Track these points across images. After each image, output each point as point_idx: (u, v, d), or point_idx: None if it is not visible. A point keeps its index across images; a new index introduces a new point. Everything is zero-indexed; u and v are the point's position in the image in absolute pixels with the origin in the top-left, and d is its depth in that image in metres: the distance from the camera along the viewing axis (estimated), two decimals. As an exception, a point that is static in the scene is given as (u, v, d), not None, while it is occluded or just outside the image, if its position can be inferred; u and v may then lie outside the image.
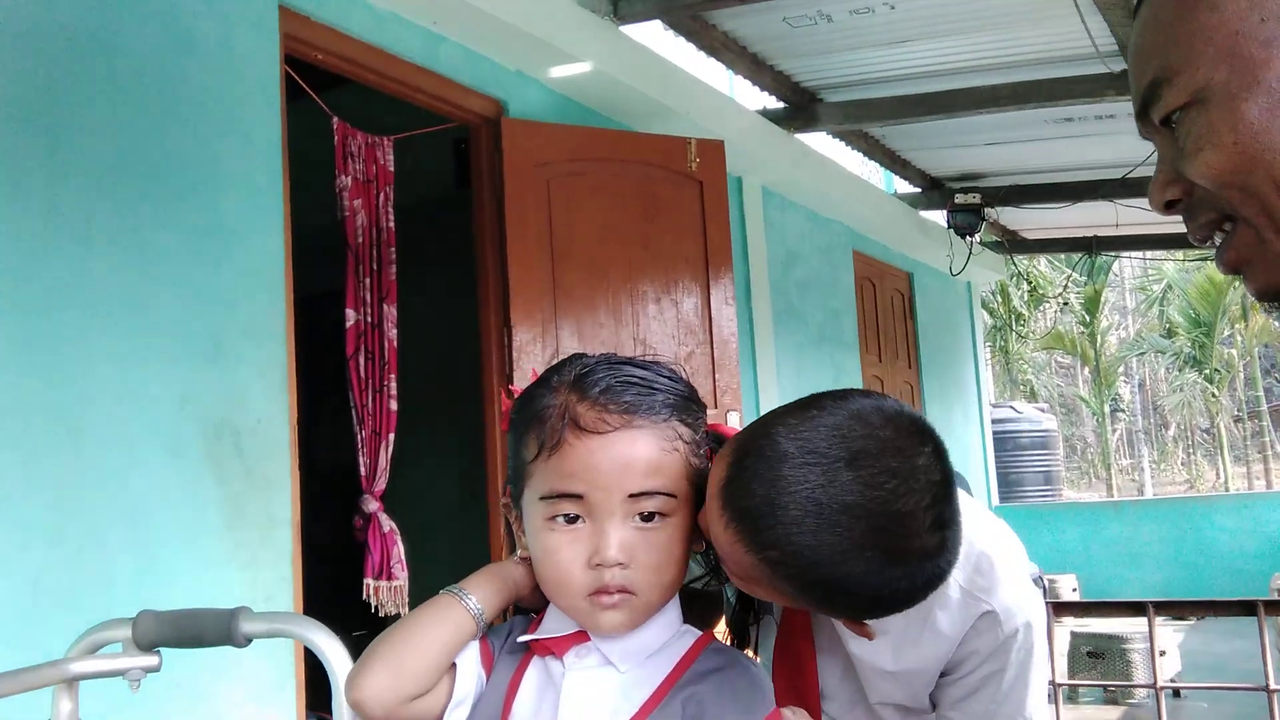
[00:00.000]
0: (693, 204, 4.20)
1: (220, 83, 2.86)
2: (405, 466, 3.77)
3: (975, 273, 8.08)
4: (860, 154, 6.42)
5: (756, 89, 5.25)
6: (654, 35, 4.52)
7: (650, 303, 4.05)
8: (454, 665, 1.05)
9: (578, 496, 1.01)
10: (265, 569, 2.84)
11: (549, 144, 3.89)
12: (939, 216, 7.54)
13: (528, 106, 3.97)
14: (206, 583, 2.70)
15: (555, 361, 1.11)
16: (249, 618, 1.28)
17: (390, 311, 3.58)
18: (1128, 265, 21.63)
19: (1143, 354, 21.66)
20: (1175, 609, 1.58)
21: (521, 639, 1.08)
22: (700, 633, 1.09)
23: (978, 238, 7.22)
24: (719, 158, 4.29)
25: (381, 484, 3.54)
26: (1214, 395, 17.92)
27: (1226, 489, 17.75)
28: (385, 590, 3.47)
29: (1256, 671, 5.27)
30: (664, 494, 1.03)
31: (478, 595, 1.07)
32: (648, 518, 1.03)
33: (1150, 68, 0.78)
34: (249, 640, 1.29)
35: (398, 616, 3.41)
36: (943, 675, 1.27)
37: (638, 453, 1.02)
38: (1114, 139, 5.83)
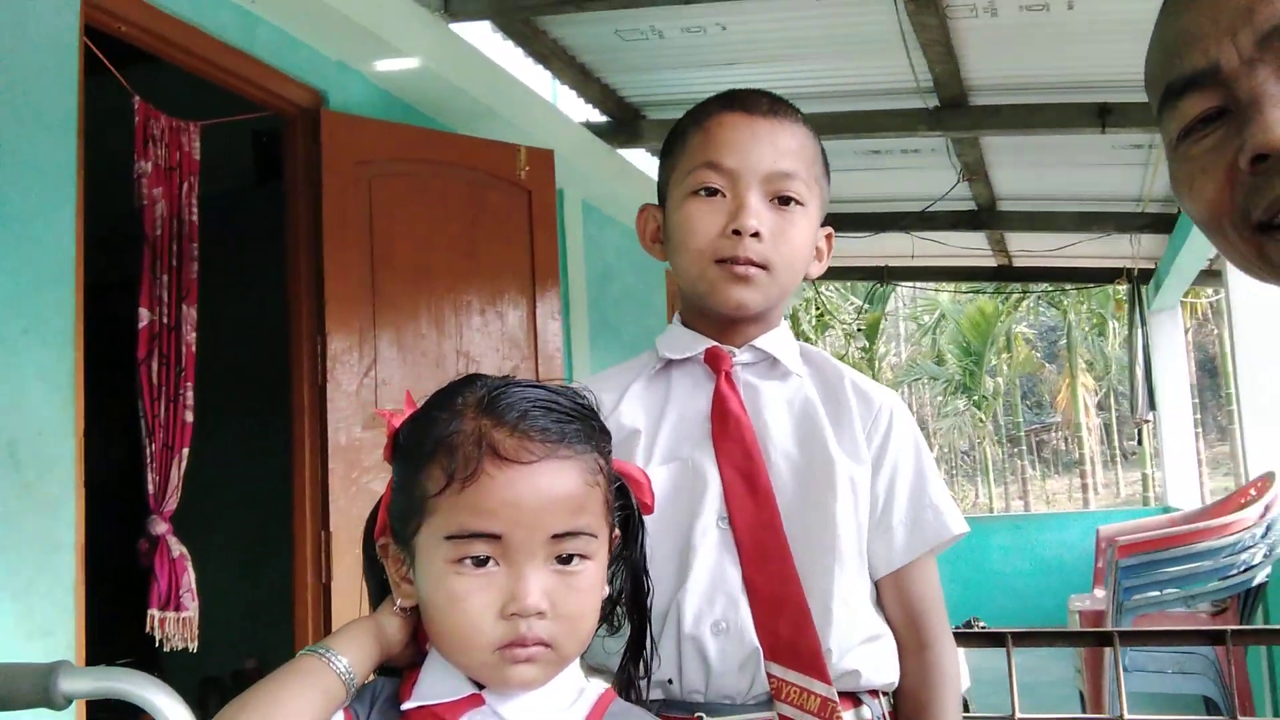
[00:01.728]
0: (521, 213, 4.07)
1: (9, 49, 2.52)
2: (198, 485, 3.45)
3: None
4: (677, 173, 6.46)
5: (581, 101, 5.17)
6: (483, 36, 4.36)
7: (475, 314, 3.89)
8: None
9: (494, 537, 0.88)
10: (42, 598, 2.50)
11: (372, 141, 3.67)
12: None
13: (348, 99, 3.73)
14: (-31, 615, 2.35)
15: (448, 384, 0.97)
16: (70, 674, 1.07)
17: (189, 313, 3.27)
18: (904, 294, 22.88)
19: (916, 379, 22.97)
20: (1034, 639, 1.59)
21: (405, 706, 0.93)
22: (602, 688, 0.98)
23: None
24: (549, 167, 4.17)
25: (172, 504, 3.22)
26: (981, 420, 19.19)
27: (991, 510, 19.00)
28: (172, 622, 3.14)
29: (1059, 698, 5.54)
30: (587, 534, 0.92)
31: (348, 655, 0.92)
32: (566, 560, 0.91)
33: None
34: (69, 701, 1.08)
35: (185, 651, 3.14)
36: None
37: (563, 486, 0.90)
38: (918, 173, 6.09)
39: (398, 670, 0.98)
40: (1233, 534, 3.57)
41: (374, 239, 3.63)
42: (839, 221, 7.32)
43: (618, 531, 1.01)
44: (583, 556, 0.92)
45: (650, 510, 1.04)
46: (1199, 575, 3.68)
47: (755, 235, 1.20)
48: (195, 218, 3.30)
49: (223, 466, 4.35)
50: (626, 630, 1.07)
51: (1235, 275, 4.86)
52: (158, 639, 3.02)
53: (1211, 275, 7.70)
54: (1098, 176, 6.13)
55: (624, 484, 1.02)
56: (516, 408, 0.91)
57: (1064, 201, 6.81)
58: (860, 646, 1.23)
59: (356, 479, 3.46)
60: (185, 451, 3.17)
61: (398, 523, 0.95)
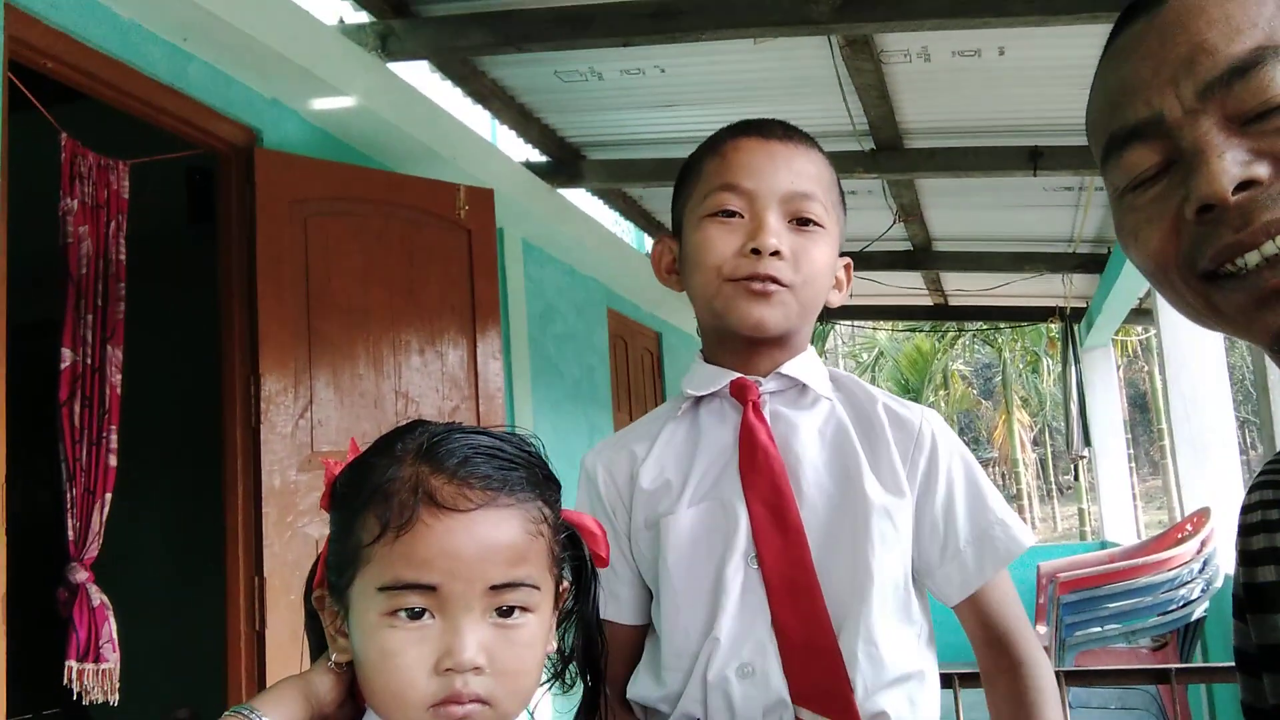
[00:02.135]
0: (460, 253, 4.03)
1: (-76, 80, 2.45)
2: (123, 532, 3.33)
3: (719, 335, 8.32)
4: (617, 213, 6.46)
5: (521, 141, 5.16)
6: (421, 76, 4.34)
7: (414, 353, 3.83)
8: None
9: (429, 588, 0.84)
10: (-47, 654, 2.38)
11: (307, 179, 3.61)
12: (688, 279, 7.69)
13: (284, 138, 3.67)
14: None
15: (391, 430, 0.93)
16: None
17: (115, 354, 3.17)
18: (843, 332, 23.14)
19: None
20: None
21: None
22: None
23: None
24: (488, 206, 4.14)
25: (93, 551, 3.09)
26: (919, 457, 19.38)
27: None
28: (91, 674, 3.01)
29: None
30: (528, 585, 0.88)
31: (273, 716, 0.87)
32: (506, 613, 0.87)
33: (1251, 36, 0.74)
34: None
35: (105, 704, 3.01)
36: None
37: (502, 536, 0.86)
38: (855, 214, 6.09)
39: None
40: (1171, 569, 3.62)
41: (310, 279, 3.57)
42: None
43: (568, 583, 0.97)
44: (524, 609, 0.88)
45: (605, 563, 1.00)
46: (1139, 611, 3.71)
47: (775, 254, 1.19)
48: (123, 257, 3.20)
49: (150, 512, 4.22)
50: (579, 690, 1.03)
51: (1166, 313, 4.97)
52: (75, 691, 2.90)
53: (1142, 314, 7.88)
54: (1030, 218, 6.26)
55: (575, 534, 0.98)
56: (457, 454, 0.87)
57: (998, 242, 6.94)
58: (889, 688, 1.17)
59: (291, 523, 3.37)
60: (108, 496, 3.06)
61: (333, 573, 0.91)
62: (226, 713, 0.86)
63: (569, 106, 4.79)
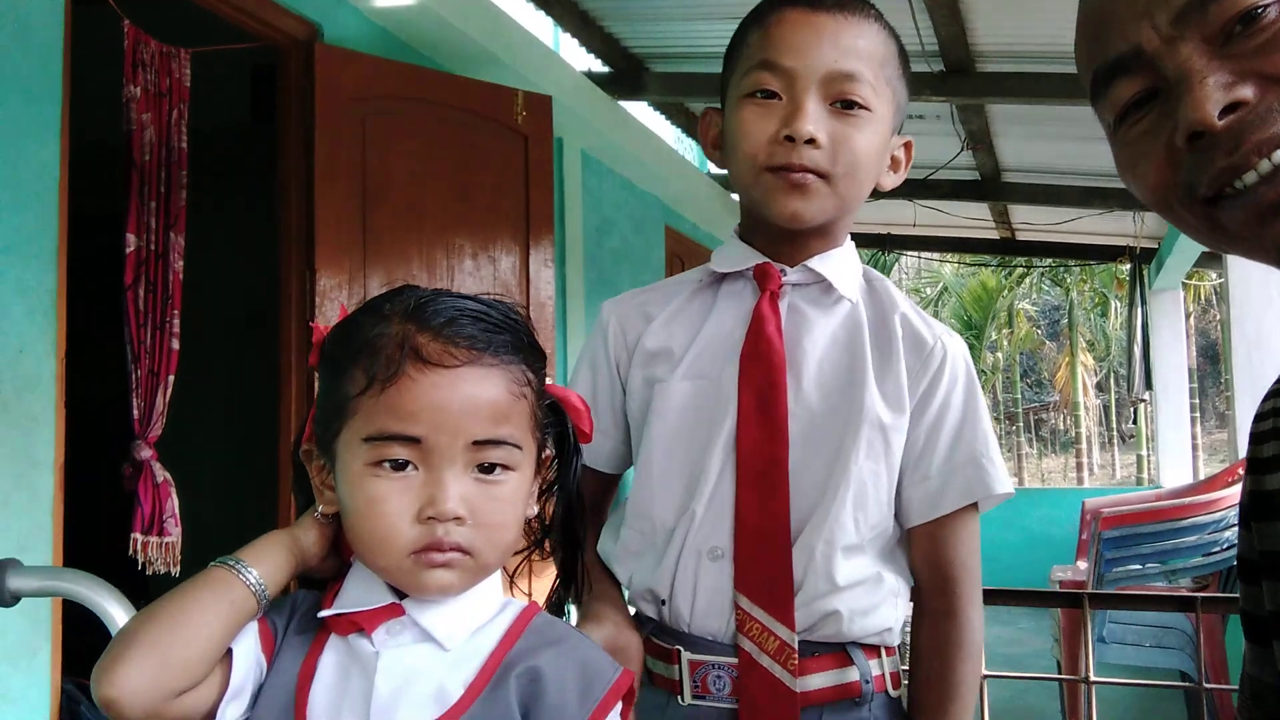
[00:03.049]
0: (516, 159, 4.03)
1: (-6, -41, 2.49)
2: (183, 412, 3.44)
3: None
4: (679, 129, 6.41)
5: (583, 50, 5.12)
6: (486, -22, 4.30)
7: (467, 258, 3.86)
8: (228, 651, 0.89)
9: (413, 440, 0.87)
10: (19, 515, 2.50)
11: (368, 77, 3.62)
12: (749, 200, 7.63)
13: (344, 34, 3.69)
14: (-58, 529, 2.36)
15: (380, 293, 0.96)
16: (19, 572, 1.07)
17: (177, 241, 3.25)
18: (908, 266, 22.83)
19: (915, 352, 22.88)
20: (1006, 598, 1.59)
21: (323, 614, 0.92)
22: (524, 603, 0.97)
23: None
24: (546, 113, 4.13)
25: (156, 430, 3.21)
26: (979, 395, 19.17)
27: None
28: (155, 546, 3.15)
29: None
30: (510, 444, 0.91)
31: (260, 568, 0.91)
32: (488, 469, 0.90)
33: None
34: (17, 599, 1.08)
35: (168, 575, 3.15)
36: None
37: (486, 393, 0.89)
38: (921, 139, 6.01)
39: (321, 584, 0.97)
40: (1218, 511, 3.57)
41: (366, 177, 3.61)
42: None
43: (550, 451, 1.00)
44: (505, 467, 0.91)
45: (588, 439, 1.03)
46: (1181, 550, 3.68)
47: (811, 142, 1.13)
48: (185, 145, 3.26)
49: (208, 396, 4.35)
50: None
51: (1234, 258, 4.83)
52: (140, 563, 3.03)
53: (1213, 257, 7.66)
54: (1103, 151, 5.97)
55: (556, 404, 1.00)
56: (443, 314, 0.90)
57: (1069, 175, 6.76)
58: (845, 590, 1.16)
59: (340, 416, 3.45)
60: (170, 379, 3.16)
61: (320, 427, 0.94)
62: (212, 563, 0.90)
63: (634, 14, 4.73)
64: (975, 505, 1.22)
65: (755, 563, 1.16)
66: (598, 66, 5.29)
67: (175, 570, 3.14)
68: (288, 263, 3.52)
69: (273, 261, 3.59)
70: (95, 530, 3.44)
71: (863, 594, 1.18)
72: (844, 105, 1.16)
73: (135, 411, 3.16)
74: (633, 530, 1.26)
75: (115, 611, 1.10)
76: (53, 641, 2.59)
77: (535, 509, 0.98)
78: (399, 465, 0.88)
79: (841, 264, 1.25)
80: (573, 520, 1.03)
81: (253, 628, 0.91)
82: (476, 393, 0.89)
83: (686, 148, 7.16)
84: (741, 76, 1.19)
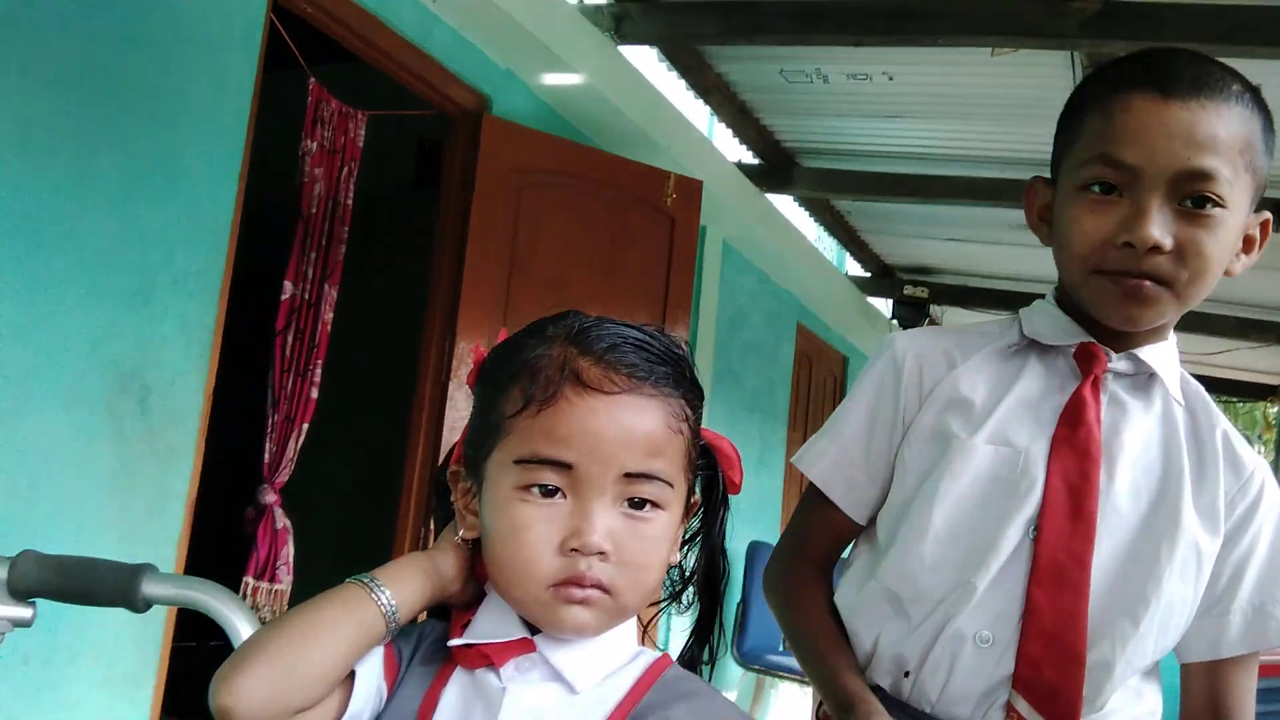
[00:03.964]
0: (662, 241, 4.04)
1: (202, 14, 2.62)
2: (310, 464, 3.48)
3: (907, 367, 8.07)
4: (821, 227, 6.37)
5: (736, 140, 5.15)
6: (649, 62, 4.38)
7: (605, 333, 3.85)
8: (351, 673, 0.83)
9: (565, 466, 0.82)
10: (147, 544, 2.53)
11: (529, 150, 3.70)
12: (884, 305, 7.52)
13: (511, 108, 3.77)
14: (78, 548, 2.38)
15: (544, 316, 0.91)
16: (155, 578, 1.04)
17: (330, 293, 3.32)
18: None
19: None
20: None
21: (452, 643, 0.86)
22: (656, 654, 0.90)
23: (919, 332, 7.20)
24: (696, 198, 4.15)
25: (284, 476, 3.25)
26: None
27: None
28: (265, 593, 3.16)
29: None
30: (663, 480, 0.85)
31: (394, 589, 0.84)
32: (638, 505, 0.84)
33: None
34: (149, 605, 1.04)
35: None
36: None
37: (644, 424, 0.84)
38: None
39: (447, 614, 0.92)
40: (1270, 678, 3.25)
41: (516, 248, 3.65)
42: (982, 297, 7.12)
43: (698, 498, 0.93)
44: (655, 505, 0.85)
45: (737, 490, 0.96)
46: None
47: (1155, 249, 1.02)
48: (350, 201, 3.36)
49: (338, 450, 4.40)
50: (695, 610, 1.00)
51: None
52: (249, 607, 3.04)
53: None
54: (1263, 280, 5.80)
55: (708, 448, 0.94)
56: (606, 340, 0.85)
57: (1222, 304, 6.47)
58: (1132, 707, 1.10)
59: (466, 480, 3.44)
60: (305, 426, 3.21)
61: (471, 448, 0.90)
62: (349, 579, 0.85)
63: (789, 109, 4.74)
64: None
65: (1041, 665, 1.06)
66: (748, 158, 5.31)
67: (258, 622, 3.12)
68: (431, 326, 3.57)
69: (417, 325, 3.64)
70: (208, 570, 3.46)
71: (1133, 703, 1.11)
72: (1195, 203, 1.04)
73: (266, 455, 3.21)
74: (883, 588, 1.16)
75: (242, 626, 1.06)
76: (158, 675, 2.59)
77: (677, 556, 0.92)
78: (548, 492, 0.83)
79: (1168, 357, 1.16)
80: (715, 574, 0.96)
81: (378, 652, 0.85)
82: (633, 422, 0.83)
83: (826, 246, 7.11)
84: (1078, 165, 1.08)
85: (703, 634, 0.96)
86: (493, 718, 0.83)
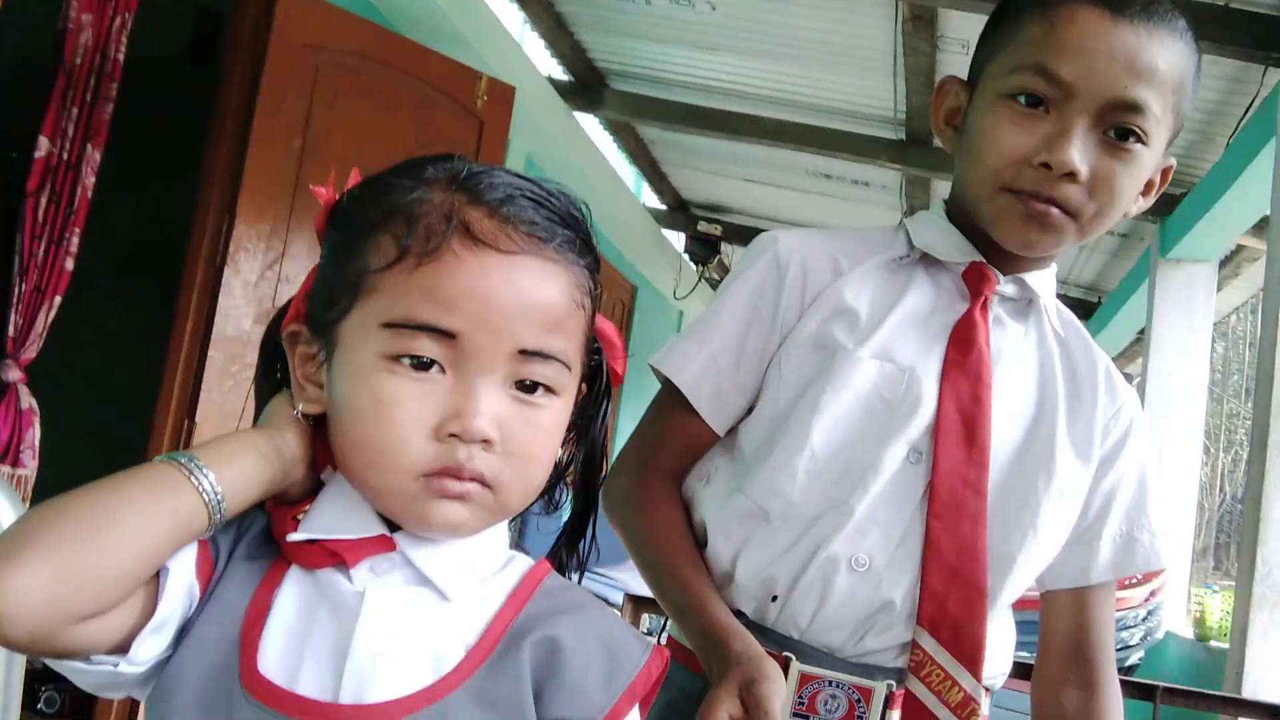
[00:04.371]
0: (469, 143, 3.85)
1: None
2: (62, 344, 3.13)
3: (692, 304, 8.19)
4: (624, 153, 6.30)
5: (549, 53, 4.98)
6: (466, -44, 4.14)
7: (400, 232, 3.65)
8: (157, 572, 0.68)
9: (448, 335, 0.69)
10: None
11: (330, 28, 3.42)
12: (676, 239, 7.56)
13: (312, -20, 3.46)
14: None
15: (418, 156, 0.78)
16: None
17: (93, 155, 2.97)
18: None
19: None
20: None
21: (292, 537, 0.72)
22: (531, 560, 0.79)
23: (708, 271, 7.30)
24: (507, 104, 3.97)
25: (31, 353, 2.91)
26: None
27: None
28: (6, 477, 2.84)
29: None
30: (561, 362, 0.73)
31: (220, 473, 0.69)
32: (530, 388, 0.72)
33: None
34: None
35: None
36: None
37: (545, 293, 0.72)
38: (861, 207, 6.06)
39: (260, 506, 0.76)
40: (1117, 611, 3.57)
41: (309, 129, 3.38)
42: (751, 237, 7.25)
43: (584, 387, 0.82)
44: (549, 390, 0.73)
45: (620, 380, 0.85)
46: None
47: (1070, 175, 0.98)
48: (121, 57, 3.00)
49: (94, 328, 4.01)
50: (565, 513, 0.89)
51: (1151, 371, 4.93)
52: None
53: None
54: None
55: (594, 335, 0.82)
56: (500, 189, 0.72)
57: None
58: (991, 635, 1.06)
59: (236, 373, 3.20)
60: (58, 299, 2.87)
61: (319, 306, 0.75)
62: (158, 458, 0.70)
63: (607, 26, 4.62)
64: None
65: (945, 600, 1.02)
66: (559, 73, 5.15)
67: (24, 507, 2.83)
68: (206, 203, 3.26)
69: (190, 202, 3.32)
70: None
71: (1002, 638, 1.10)
72: (1119, 135, 0.99)
73: (11, 329, 2.86)
74: (755, 505, 1.08)
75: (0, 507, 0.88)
76: None
77: (559, 452, 0.80)
78: (423, 364, 0.70)
79: (1049, 285, 1.13)
80: (593, 474, 0.85)
81: (190, 547, 0.70)
82: (534, 289, 0.71)
83: (626, 175, 7.06)
84: (1008, 70, 1.01)
85: (574, 536, 0.85)
86: (344, 626, 0.70)
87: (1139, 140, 1.00)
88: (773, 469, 1.07)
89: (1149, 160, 1.03)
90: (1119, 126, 0.99)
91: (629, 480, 1.15)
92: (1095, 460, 1.10)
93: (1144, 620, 3.58)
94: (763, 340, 1.12)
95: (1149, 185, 1.09)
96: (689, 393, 1.12)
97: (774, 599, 1.06)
